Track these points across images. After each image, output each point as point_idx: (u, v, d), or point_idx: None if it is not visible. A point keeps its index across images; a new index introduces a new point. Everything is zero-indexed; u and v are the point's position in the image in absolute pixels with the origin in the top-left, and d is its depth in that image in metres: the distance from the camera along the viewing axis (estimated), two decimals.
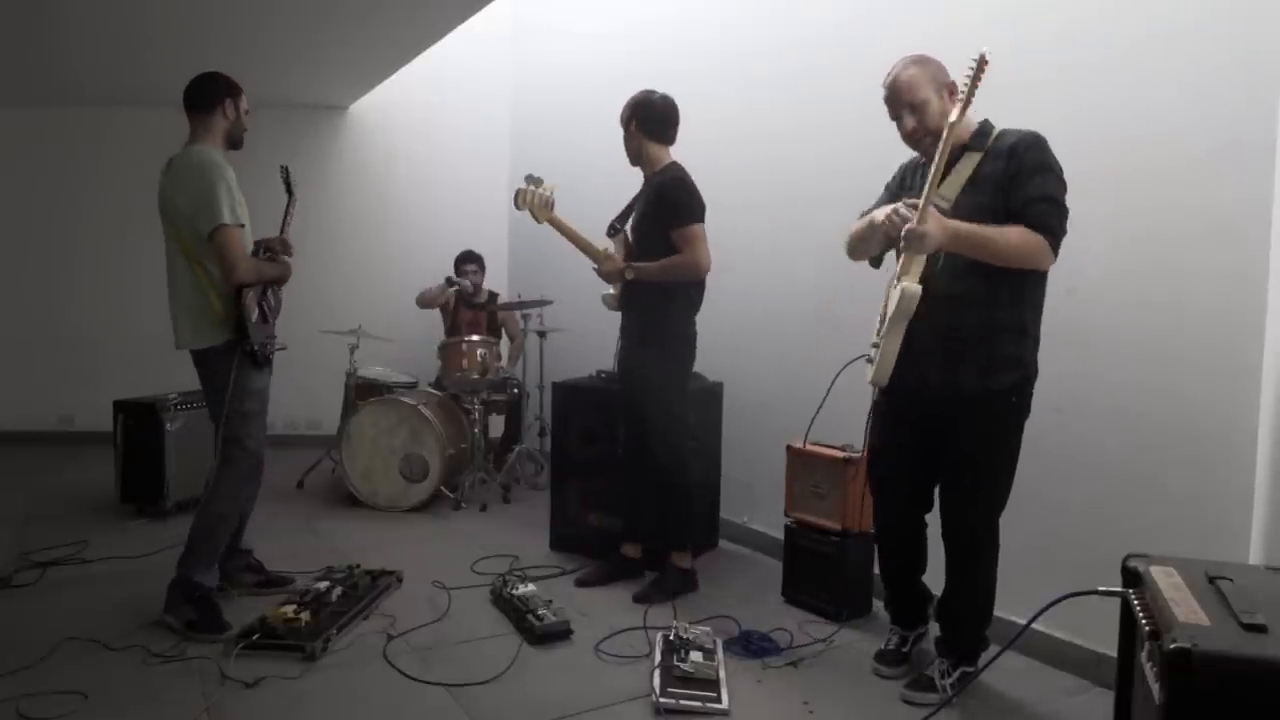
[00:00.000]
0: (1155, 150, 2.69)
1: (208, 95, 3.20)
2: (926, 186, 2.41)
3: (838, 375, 3.14)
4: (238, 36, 4.93)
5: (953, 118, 2.37)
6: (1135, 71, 2.73)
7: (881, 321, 2.66)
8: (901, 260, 2.57)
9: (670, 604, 3.40)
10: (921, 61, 2.62)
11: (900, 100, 2.62)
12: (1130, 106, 2.75)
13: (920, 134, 2.59)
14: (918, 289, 2.49)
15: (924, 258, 2.52)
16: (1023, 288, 2.52)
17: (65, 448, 6.34)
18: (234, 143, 3.30)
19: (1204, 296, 2.56)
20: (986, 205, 2.47)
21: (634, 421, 3.62)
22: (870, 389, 2.81)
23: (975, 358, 2.53)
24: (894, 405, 2.77)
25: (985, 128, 2.58)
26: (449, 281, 5.78)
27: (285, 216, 3.49)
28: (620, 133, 3.63)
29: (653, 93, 3.60)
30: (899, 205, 2.50)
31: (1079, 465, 2.88)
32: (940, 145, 2.42)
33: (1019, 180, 2.43)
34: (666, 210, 3.47)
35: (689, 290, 3.59)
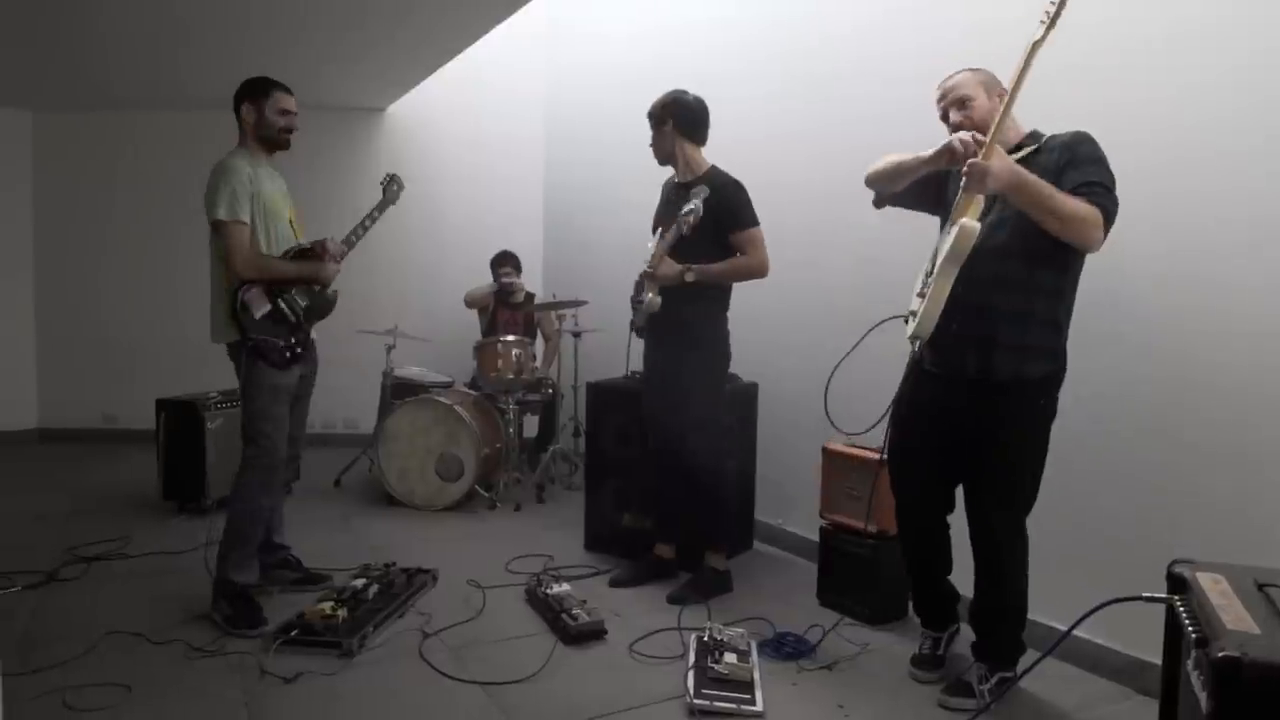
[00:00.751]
0: (1198, 146, 2.63)
1: (235, 100, 3.31)
2: (994, 124, 2.39)
3: (869, 331, 2.98)
4: (274, 39, 4.99)
5: (1038, 36, 2.30)
6: (1177, 64, 2.68)
7: (928, 274, 2.61)
8: (959, 201, 2.50)
9: (705, 605, 3.39)
10: (974, 69, 2.64)
11: (949, 99, 2.64)
12: (1173, 101, 2.69)
13: (966, 128, 2.56)
14: (976, 225, 2.43)
15: (981, 201, 2.47)
16: (1063, 276, 2.50)
17: (109, 446, 6.47)
18: (267, 143, 3.33)
19: (1249, 295, 2.51)
20: None
21: (670, 422, 3.59)
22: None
23: (1010, 343, 2.51)
24: (918, 396, 2.73)
25: (1036, 134, 2.57)
26: (499, 282, 5.84)
27: (365, 218, 3.49)
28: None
29: (685, 92, 3.59)
30: (969, 134, 2.47)
31: (1120, 468, 2.82)
32: (1020, 65, 2.33)
33: (1072, 166, 2.41)
34: (727, 214, 3.46)
35: (727, 291, 3.60)
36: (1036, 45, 2.31)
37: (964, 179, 2.40)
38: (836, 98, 3.98)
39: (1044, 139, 2.54)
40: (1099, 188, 2.37)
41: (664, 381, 3.62)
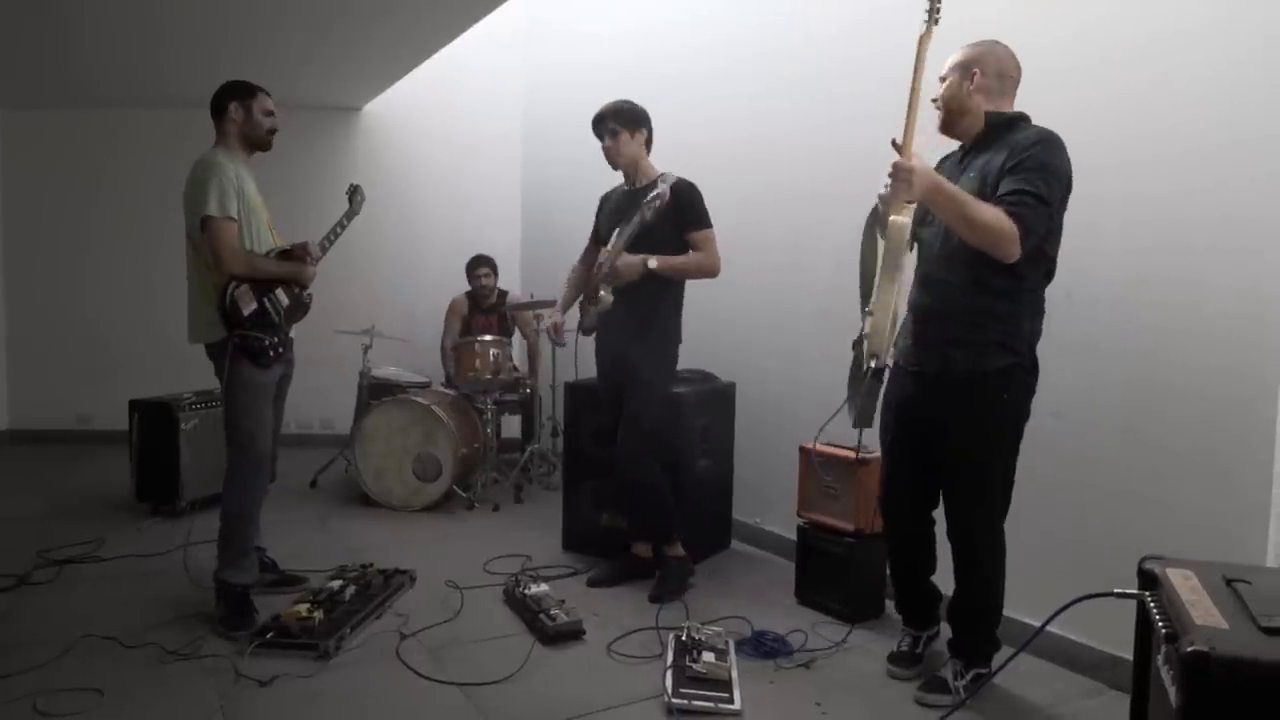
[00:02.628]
0: (1169, 149, 2.66)
1: (218, 102, 3.29)
2: (905, 124, 2.42)
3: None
4: (250, 37, 4.97)
5: (923, 31, 2.43)
6: (1152, 68, 2.71)
7: (867, 295, 2.62)
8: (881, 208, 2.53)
9: (683, 601, 3.40)
10: (974, 43, 2.60)
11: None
12: (1146, 103, 2.73)
13: (940, 106, 2.59)
14: (905, 220, 2.45)
15: (912, 208, 2.48)
16: (1019, 282, 2.49)
17: (83, 447, 6.39)
18: (252, 143, 3.32)
19: (1219, 297, 2.54)
20: (974, 192, 2.45)
21: (618, 418, 3.64)
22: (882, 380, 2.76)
23: (966, 340, 2.53)
24: (897, 398, 2.75)
25: (1017, 120, 2.54)
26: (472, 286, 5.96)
27: (334, 226, 3.53)
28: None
29: (635, 103, 3.63)
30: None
31: (1092, 468, 2.86)
32: (915, 64, 2.41)
33: (1013, 172, 2.40)
34: (688, 212, 3.51)
35: (683, 290, 3.67)
36: (923, 40, 2.40)
37: (887, 184, 2.42)
38: (819, 99, 3.98)
39: (1023, 128, 2.51)
40: (1029, 198, 2.35)
41: (620, 373, 3.65)
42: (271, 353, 3.22)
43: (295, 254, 3.36)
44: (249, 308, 3.17)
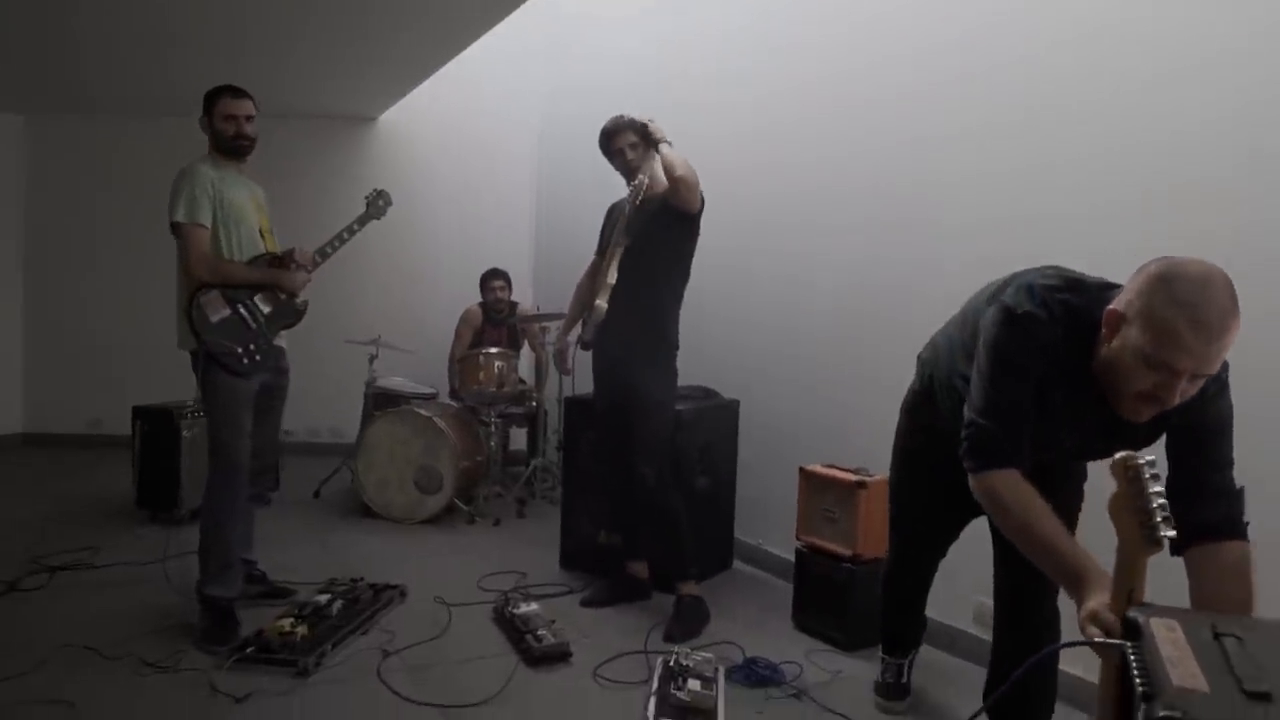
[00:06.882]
0: (1183, 181, 2.56)
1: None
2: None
3: None
4: (268, 46, 4.98)
5: None
6: (1167, 101, 2.61)
7: None
8: None
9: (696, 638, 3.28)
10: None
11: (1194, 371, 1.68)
12: (1161, 136, 2.62)
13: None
14: None
15: None
16: None
17: (93, 451, 6.43)
18: (224, 149, 3.27)
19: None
20: None
21: (623, 437, 3.51)
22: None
23: None
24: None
25: None
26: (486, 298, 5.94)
27: (341, 231, 3.47)
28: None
29: None
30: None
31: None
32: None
33: None
34: (681, 205, 3.39)
35: (682, 294, 3.56)
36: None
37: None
38: (830, 122, 3.89)
39: None
40: None
41: (612, 398, 3.57)
42: (246, 360, 3.18)
43: (284, 260, 3.32)
44: (218, 314, 3.14)
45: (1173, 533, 1.39)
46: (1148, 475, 1.40)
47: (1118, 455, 1.43)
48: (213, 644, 3.02)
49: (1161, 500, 1.39)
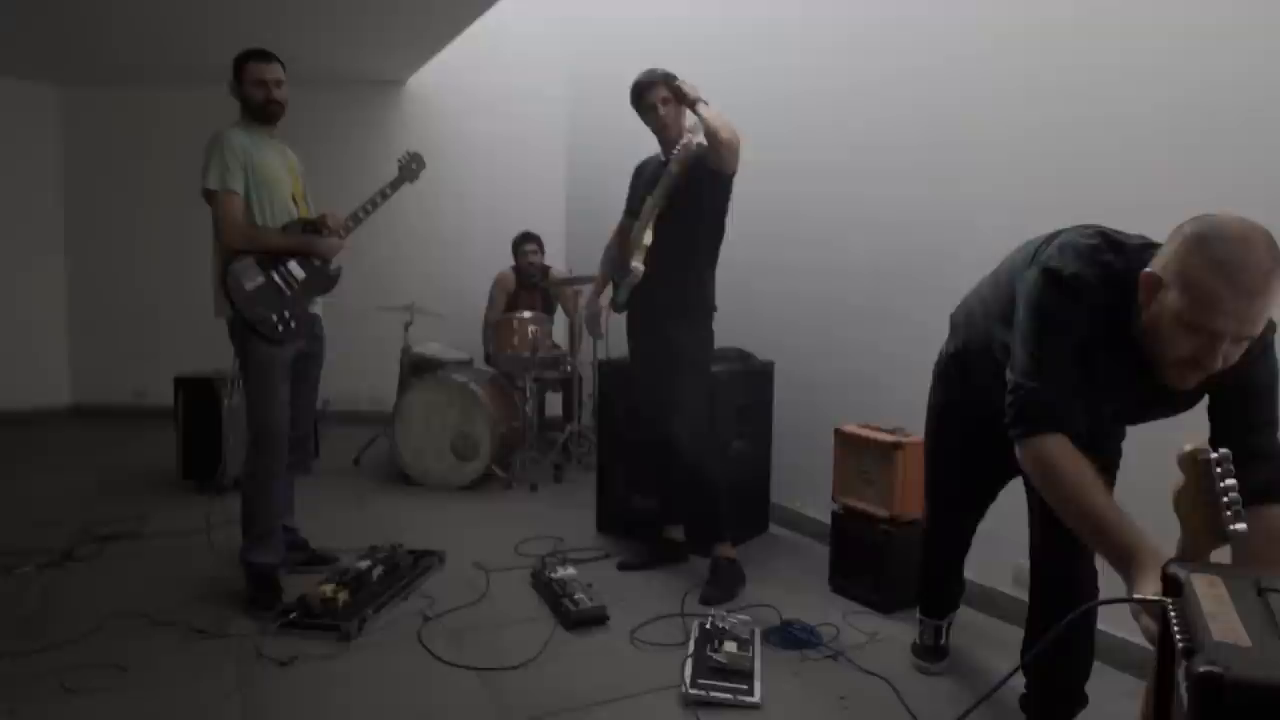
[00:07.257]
0: (1217, 137, 2.47)
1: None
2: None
3: None
4: (289, 6, 4.98)
5: None
6: (1203, 58, 2.51)
7: None
8: None
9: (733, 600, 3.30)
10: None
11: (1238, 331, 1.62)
12: (1196, 92, 2.53)
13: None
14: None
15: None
16: None
17: (139, 422, 6.55)
18: (253, 113, 3.26)
19: None
20: None
21: (660, 399, 3.49)
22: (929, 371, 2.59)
23: None
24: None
25: None
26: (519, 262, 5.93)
27: (374, 195, 3.44)
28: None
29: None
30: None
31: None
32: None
33: None
34: (721, 167, 3.35)
35: (717, 256, 3.52)
36: None
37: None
38: (860, 76, 3.81)
39: None
40: None
41: (649, 362, 3.55)
42: (281, 328, 3.20)
43: (317, 226, 3.33)
44: (253, 282, 3.16)
45: (1243, 526, 1.32)
46: (1218, 469, 1.35)
47: (1186, 448, 1.36)
48: (257, 610, 3.09)
49: (1234, 494, 1.34)
